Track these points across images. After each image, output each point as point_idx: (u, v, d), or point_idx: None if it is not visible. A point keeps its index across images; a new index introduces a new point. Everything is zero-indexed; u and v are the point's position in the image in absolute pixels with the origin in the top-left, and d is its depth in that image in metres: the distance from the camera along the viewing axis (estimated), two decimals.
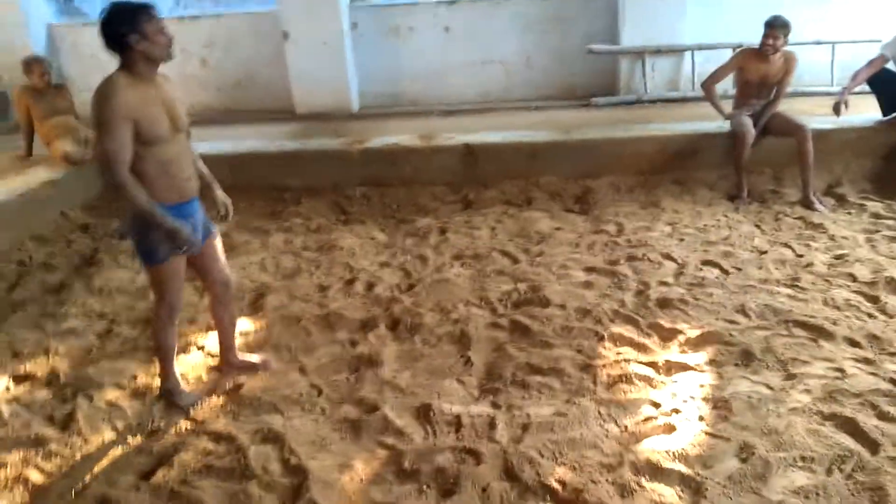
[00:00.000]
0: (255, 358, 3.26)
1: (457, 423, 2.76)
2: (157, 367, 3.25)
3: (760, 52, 4.84)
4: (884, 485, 2.27)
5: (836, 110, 4.91)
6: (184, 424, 2.86)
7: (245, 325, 3.63)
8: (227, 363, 3.21)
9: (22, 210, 4.82)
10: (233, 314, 3.15)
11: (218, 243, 3.00)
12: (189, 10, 9.88)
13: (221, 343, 3.19)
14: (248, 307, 3.87)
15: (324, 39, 6.83)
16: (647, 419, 2.70)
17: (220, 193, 3.03)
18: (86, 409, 2.96)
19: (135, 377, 3.21)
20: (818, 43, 6.51)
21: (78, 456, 2.70)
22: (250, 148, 5.81)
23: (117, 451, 2.72)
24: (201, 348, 3.45)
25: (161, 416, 2.92)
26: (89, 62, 7.08)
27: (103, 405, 3.00)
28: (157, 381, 3.13)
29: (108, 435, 2.83)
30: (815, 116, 5.30)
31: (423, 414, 2.83)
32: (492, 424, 2.73)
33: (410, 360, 3.26)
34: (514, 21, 7.11)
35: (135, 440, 2.79)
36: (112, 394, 3.08)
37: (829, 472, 2.37)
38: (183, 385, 3.06)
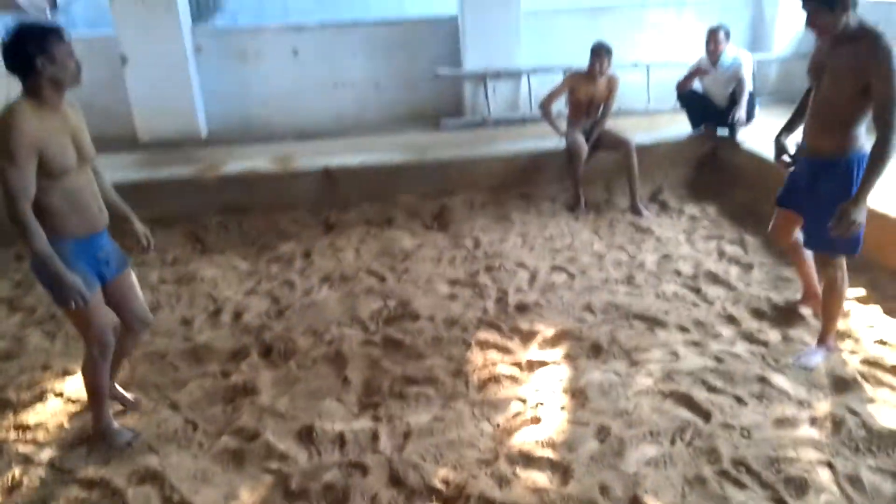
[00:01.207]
0: (128, 395, 3.14)
1: (340, 440, 2.84)
2: (10, 419, 3.07)
3: (588, 75, 5.38)
4: (717, 447, 2.66)
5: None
6: (49, 475, 2.70)
7: None
8: None
9: None
10: (133, 350, 3.05)
11: (133, 277, 2.89)
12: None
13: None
14: None
15: (166, 63, 6.60)
16: (516, 414, 2.95)
17: (138, 224, 2.91)
18: None
19: None
20: (635, 65, 7.28)
21: None
22: None
23: None
24: (59, 395, 3.25)
25: (21, 469, 2.73)
26: None
27: None
28: (11, 435, 2.94)
29: None
30: (637, 132, 5.94)
31: (306, 435, 2.89)
32: (374, 437, 2.85)
33: (287, 385, 3.29)
34: (363, 45, 7.29)
35: None
36: None
37: (672, 442, 2.73)
38: (116, 425, 2.90)
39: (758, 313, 3.74)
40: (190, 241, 5.18)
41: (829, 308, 3.22)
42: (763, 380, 3.10)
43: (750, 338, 3.49)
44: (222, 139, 6.88)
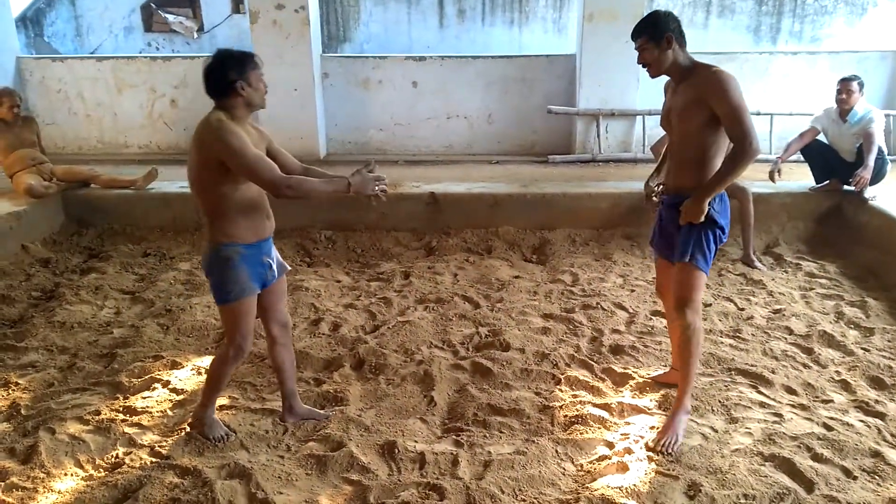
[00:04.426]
0: (320, 411, 3.24)
1: (421, 460, 2.85)
2: (120, 401, 3.29)
3: None
4: None
5: (771, 177, 5.35)
6: (148, 459, 2.87)
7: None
8: (290, 411, 3.16)
9: None
10: (293, 357, 3.12)
11: (284, 284, 3.04)
12: (162, 51, 9.92)
13: (284, 389, 3.13)
14: (213, 346, 3.91)
15: (294, 87, 7.03)
16: (601, 458, 2.85)
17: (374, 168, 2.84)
18: (48, 443, 2.93)
19: (98, 411, 3.20)
20: (758, 114, 7.00)
21: (41, 489, 2.68)
22: None
23: (81, 485, 2.72)
24: (166, 384, 3.47)
25: (125, 449, 2.93)
26: (56, 97, 7.11)
27: (66, 438, 2.98)
28: (119, 416, 3.16)
29: (71, 469, 2.82)
30: (755, 181, 5.70)
31: (388, 451, 2.91)
32: (455, 462, 2.83)
33: (375, 399, 3.35)
34: (479, 79, 7.46)
35: (98, 474, 2.79)
36: (74, 427, 3.07)
37: None
38: (215, 417, 3.05)
39: (877, 382, 3.45)
40: (299, 252, 5.44)
41: (684, 361, 2.95)
42: (877, 454, 2.84)
43: (865, 408, 3.22)
44: (339, 160, 7.20)
